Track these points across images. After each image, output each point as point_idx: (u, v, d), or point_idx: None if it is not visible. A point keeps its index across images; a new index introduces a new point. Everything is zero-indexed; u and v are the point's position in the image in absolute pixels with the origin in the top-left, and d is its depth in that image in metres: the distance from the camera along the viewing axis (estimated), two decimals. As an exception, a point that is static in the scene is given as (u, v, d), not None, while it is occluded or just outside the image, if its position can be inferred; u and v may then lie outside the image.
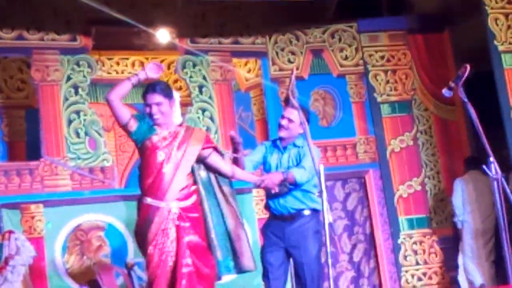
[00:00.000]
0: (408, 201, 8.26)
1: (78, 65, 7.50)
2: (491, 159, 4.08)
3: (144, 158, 4.55)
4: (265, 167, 5.20)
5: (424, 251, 8.20)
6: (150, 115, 4.55)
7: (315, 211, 5.06)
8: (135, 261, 6.82)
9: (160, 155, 4.49)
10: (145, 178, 4.50)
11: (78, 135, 7.37)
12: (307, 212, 5.04)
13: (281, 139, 5.15)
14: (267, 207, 5.20)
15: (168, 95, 4.62)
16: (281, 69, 8.20)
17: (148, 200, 4.47)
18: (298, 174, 4.88)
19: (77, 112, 7.41)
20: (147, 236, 4.43)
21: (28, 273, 6.35)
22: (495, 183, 4.05)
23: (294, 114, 5.02)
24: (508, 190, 4.07)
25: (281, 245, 5.04)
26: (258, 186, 5.04)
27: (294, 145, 5.10)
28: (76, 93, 7.45)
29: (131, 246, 7.12)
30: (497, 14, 7.66)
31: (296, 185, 4.92)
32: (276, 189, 4.82)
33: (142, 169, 4.55)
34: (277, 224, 5.09)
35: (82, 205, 7.13)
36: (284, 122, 5.11)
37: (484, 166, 4.11)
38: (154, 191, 4.45)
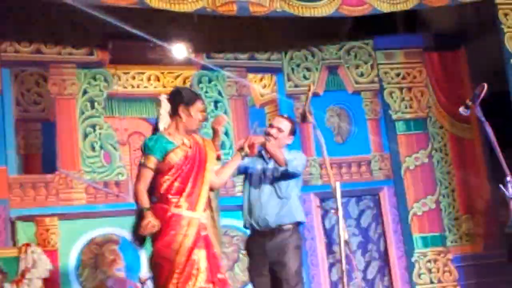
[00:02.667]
0: (422, 218, 8.22)
1: (94, 79, 7.55)
2: (508, 178, 4.06)
3: (169, 171, 4.40)
4: (250, 177, 5.19)
5: (438, 269, 8.15)
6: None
7: (297, 225, 5.05)
8: (148, 275, 6.81)
9: (189, 165, 4.43)
10: (179, 190, 4.39)
11: (93, 148, 7.40)
12: (288, 227, 5.02)
13: (266, 149, 5.05)
14: (247, 224, 5.19)
15: None
16: (296, 85, 8.21)
17: (182, 211, 4.37)
18: (290, 156, 4.87)
19: (93, 126, 7.45)
20: (180, 247, 4.29)
21: (42, 286, 6.36)
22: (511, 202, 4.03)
23: (283, 123, 5.03)
24: (525, 209, 4.05)
25: (265, 263, 5.02)
26: (241, 149, 4.73)
27: None
28: (92, 107, 7.49)
29: (145, 260, 7.12)
30: (513, 33, 7.65)
31: (287, 168, 4.87)
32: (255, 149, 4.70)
33: (167, 181, 4.40)
34: (258, 240, 5.08)
35: (96, 218, 7.15)
36: (273, 131, 5.09)
37: (500, 185, 4.09)
38: (190, 202, 4.38)
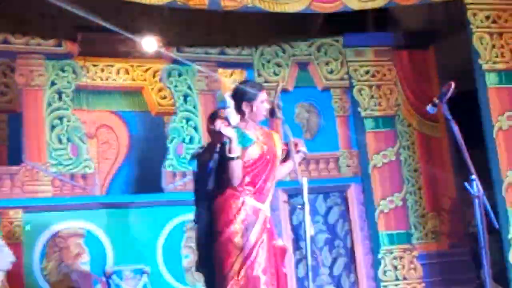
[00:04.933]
0: (389, 216, 8.27)
1: (62, 70, 7.49)
2: (473, 176, 4.09)
3: (245, 163, 4.53)
4: None
5: (403, 266, 8.21)
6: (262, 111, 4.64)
7: None
8: (113, 269, 6.79)
9: (264, 160, 4.60)
10: (252, 182, 4.55)
11: (60, 141, 7.33)
12: None
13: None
14: None
15: None
16: (266, 81, 8.19)
17: (252, 201, 4.54)
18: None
19: (60, 118, 7.38)
20: (248, 238, 4.46)
21: (5, 278, 6.29)
22: (477, 200, 4.06)
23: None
24: (489, 208, 4.09)
25: None
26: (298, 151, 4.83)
27: None
28: (60, 98, 7.42)
29: (110, 254, 7.09)
30: (481, 33, 7.71)
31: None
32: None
33: (241, 170, 4.50)
34: None
35: (62, 211, 7.09)
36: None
37: (466, 184, 4.12)
38: (259, 193, 4.57)
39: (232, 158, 4.46)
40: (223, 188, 4.56)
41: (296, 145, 4.73)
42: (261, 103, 4.62)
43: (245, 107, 4.61)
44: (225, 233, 4.48)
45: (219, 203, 4.57)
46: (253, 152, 4.58)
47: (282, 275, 4.61)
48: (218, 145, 4.57)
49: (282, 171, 4.86)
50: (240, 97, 4.64)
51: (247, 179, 4.54)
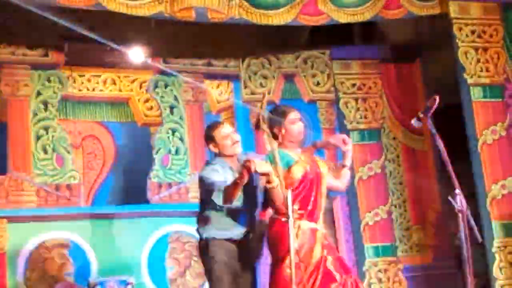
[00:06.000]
0: (374, 228, 8.28)
1: (48, 80, 7.46)
2: (457, 190, 4.11)
3: (291, 185, 4.58)
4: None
5: (388, 279, 8.22)
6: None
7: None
8: (98, 280, 6.75)
9: (309, 179, 4.72)
10: (302, 204, 4.64)
11: (45, 151, 7.30)
12: None
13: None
14: None
15: None
16: (253, 93, 8.22)
17: (306, 224, 4.63)
18: None
19: (46, 128, 7.35)
20: (309, 259, 4.56)
21: (-12, 289, 6.26)
22: (460, 215, 4.08)
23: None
24: (472, 222, 4.10)
25: None
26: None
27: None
28: (46, 109, 7.39)
29: (95, 265, 7.06)
30: (467, 47, 7.77)
31: None
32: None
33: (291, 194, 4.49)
34: None
35: (46, 222, 7.05)
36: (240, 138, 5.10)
37: (450, 198, 4.14)
38: (311, 214, 4.68)
39: (273, 188, 4.54)
40: (274, 216, 4.67)
41: (343, 141, 4.95)
42: (291, 124, 4.81)
43: (277, 131, 4.78)
44: (287, 260, 4.46)
45: (274, 232, 4.64)
46: (297, 171, 4.69)
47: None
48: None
49: (342, 181, 5.11)
50: (271, 123, 4.77)
51: (297, 204, 4.59)
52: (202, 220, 4.97)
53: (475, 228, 4.13)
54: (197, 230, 5.03)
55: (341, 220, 8.21)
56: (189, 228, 7.04)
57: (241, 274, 4.91)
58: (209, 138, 5.02)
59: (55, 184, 7.25)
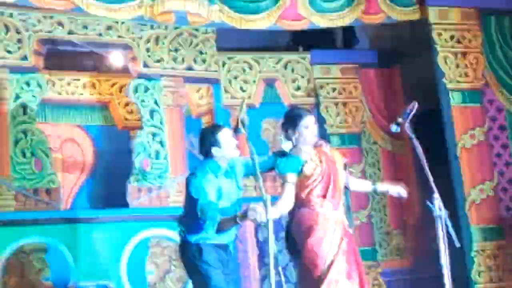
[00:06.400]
0: (354, 232, 8.27)
1: (27, 84, 7.39)
2: (436, 195, 4.13)
3: (308, 179, 4.84)
4: (223, 196, 4.96)
5: (368, 282, 8.22)
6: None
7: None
8: (77, 285, 6.71)
9: (325, 173, 4.89)
10: (322, 194, 4.85)
11: (24, 155, 7.23)
12: None
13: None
14: None
15: None
16: (233, 97, 8.22)
17: (328, 210, 4.83)
18: None
19: (24, 132, 7.29)
20: (330, 243, 4.76)
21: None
22: (439, 219, 4.10)
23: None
24: (450, 228, 4.12)
25: None
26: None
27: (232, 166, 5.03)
28: (24, 112, 7.33)
29: (74, 270, 7.00)
30: (446, 52, 7.82)
31: None
32: None
33: (309, 187, 4.85)
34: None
35: (25, 226, 6.97)
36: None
37: (428, 203, 4.16)
38: (333, 203, 4.87)
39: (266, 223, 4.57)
40: (296, 208, 4.88)
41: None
42: (305, 128, 4.92)
43: (291, 133, 4.93)
44: (308, 245, 4.75)
45: (297, 219, 4.89)
46: (308, 169, 4.85)
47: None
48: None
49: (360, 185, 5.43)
50: (285, 127, 4.98)
51: (317, 190, 4.83)
52: (193, 228, 4.90)
53: (453, 233, 4.15)
54: (182, 234, 4.97)
55: (321, 224, 8.21)
56: (169, 232, 7.01)
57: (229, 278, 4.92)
58: (214, 142, 4.90)
59: (34, 188, 7.19)
